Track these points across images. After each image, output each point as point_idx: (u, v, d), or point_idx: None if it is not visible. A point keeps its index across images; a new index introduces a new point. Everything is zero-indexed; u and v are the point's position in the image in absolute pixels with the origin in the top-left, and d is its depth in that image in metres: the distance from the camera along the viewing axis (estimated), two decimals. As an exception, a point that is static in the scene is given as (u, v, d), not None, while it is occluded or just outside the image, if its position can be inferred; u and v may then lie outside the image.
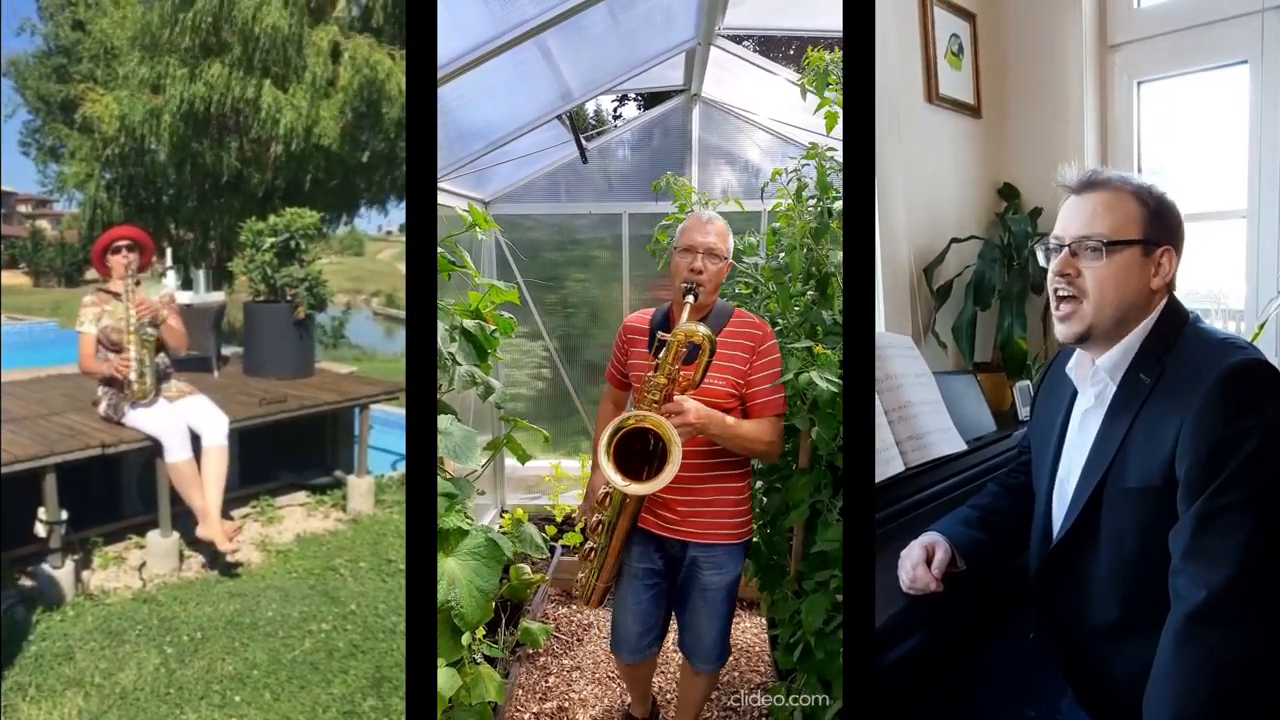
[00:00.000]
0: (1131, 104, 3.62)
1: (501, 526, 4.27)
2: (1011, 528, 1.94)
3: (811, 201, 2.65)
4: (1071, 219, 1.63)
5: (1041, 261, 1.69)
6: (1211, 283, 3.57)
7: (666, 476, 2.04)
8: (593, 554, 2.32)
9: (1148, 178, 1.65)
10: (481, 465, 2.22)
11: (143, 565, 3.58)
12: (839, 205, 2.53)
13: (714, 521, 2.34)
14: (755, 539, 2.86)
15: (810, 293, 2.62)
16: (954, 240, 3.45)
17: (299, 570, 3.65)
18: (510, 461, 4.08)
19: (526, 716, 3.01)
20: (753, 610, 3.73)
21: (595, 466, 2.39)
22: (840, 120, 2.48)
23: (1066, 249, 1.61)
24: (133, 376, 3.59)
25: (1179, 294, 1.64)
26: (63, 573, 3.31)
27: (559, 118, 4.17)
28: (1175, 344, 1.56)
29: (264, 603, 3.32)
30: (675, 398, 2.14)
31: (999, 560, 1.96)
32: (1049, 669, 1.78)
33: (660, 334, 2.19)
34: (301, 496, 4.45)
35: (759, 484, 2.79)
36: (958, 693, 1.90)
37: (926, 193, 3.41)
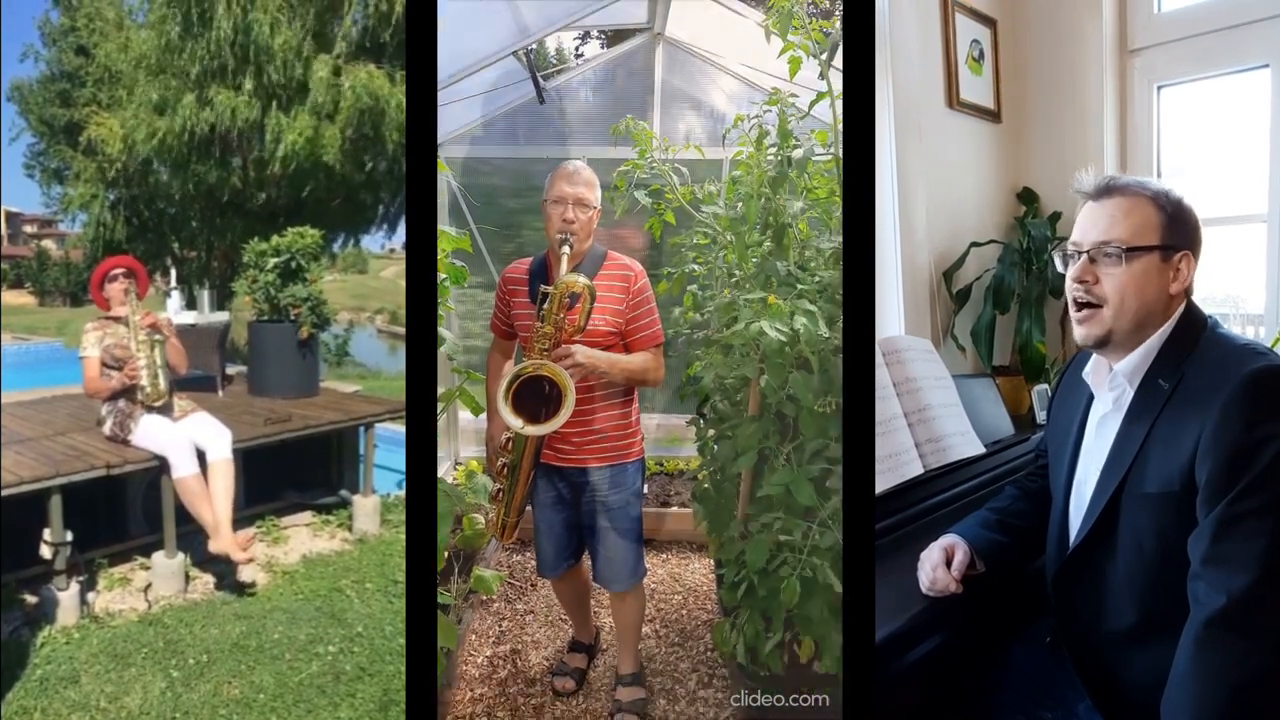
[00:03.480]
0: (1151, 108, 3.62)
1: (455, 478, 4.25)
2: (1030, 530, 1.97)
3: (772, 150, 2.65)
4: (1089, 225, 1.64)
5: (1059, 268, 1.71)
6: (1230, 287, 3.58)
7: (563, 416, 2.22)
8: (501, 494, 2.46)
9: (1166, 181, 1.67)
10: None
11: (148, 587, 3.53)
12: (799, 154, 2.58)
13: (607, 445, 2.55)
14: (706, 485, 2.95)
15: (767, 243, 2.65)
16: (973, 244, 3.46)
17: (305, 591, 3.60)
18: (464, 414, 4.03)
19: (480, 659, 3.01)
20: (701, 552, 3.82)
21: (491, 415, 2.58)
22: (802, 65, 2.50)
23: (1085, 255, 1.63)
24: (144, 381, 3.59)
25: (1197, 298, 1.64)
26: (67, 595, 3.26)
27: (515, 54, 4.05)
28: (1194, 349, 1.58)
29: (270, 625, 3.27)
30: (563, 345, 2.33)
31: (1017, 563, 1.98)
32: (1066, 673, 1.78)
33: (543, 287, 2.34)
34: (307, 516, 4.40)
35: (710, 432, 2.90)
36: (975, 695, 1.90)
37: (946, 197, 3.42)
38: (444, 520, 2.05)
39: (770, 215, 2.61)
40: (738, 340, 2.39)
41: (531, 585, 3.58)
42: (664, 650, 3.05)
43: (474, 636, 3.16)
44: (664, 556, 3.83)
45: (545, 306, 2.31)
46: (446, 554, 2.27)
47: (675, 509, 4.04)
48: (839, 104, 2.32)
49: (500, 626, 3.24)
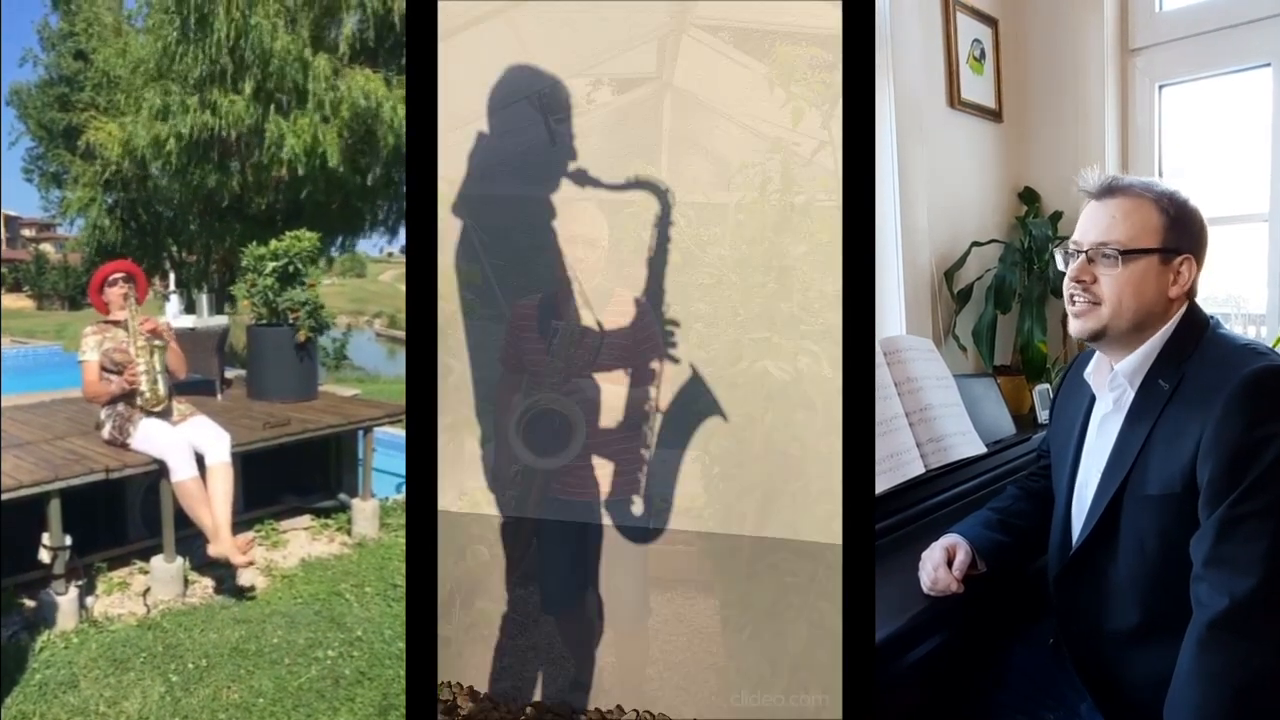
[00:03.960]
0: (1153, 108, 3.63)
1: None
2: (1032, 530, 1.96)
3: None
4: (1090, 225, 1.64)
5: (1060, 266, 1.71)
6: (1232, 287, 3.59)
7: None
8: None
9: (1170, 182, 1.64)
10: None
11: (147, 591, 3.51)
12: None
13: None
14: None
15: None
16: (975, 244, 3.45)
17: (304, 595, 3.58)
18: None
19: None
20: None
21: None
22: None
23: (1083, 255, 1.62)
24: (144, 385, 3.57)
25: (1199, 298, 1.63)
26: (66, 599, 3.24)
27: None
28: (1195, 350, 1.57)
29: (269, 629, 3.24)
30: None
31: (1019, 563, 1.98)
32: (1067, 673, 1.77)
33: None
34: (306, 520, 4.38)
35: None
36: (976, 695, 1.89)
37: (948, 196, 3.41)
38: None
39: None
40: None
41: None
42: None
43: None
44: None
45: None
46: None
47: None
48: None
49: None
